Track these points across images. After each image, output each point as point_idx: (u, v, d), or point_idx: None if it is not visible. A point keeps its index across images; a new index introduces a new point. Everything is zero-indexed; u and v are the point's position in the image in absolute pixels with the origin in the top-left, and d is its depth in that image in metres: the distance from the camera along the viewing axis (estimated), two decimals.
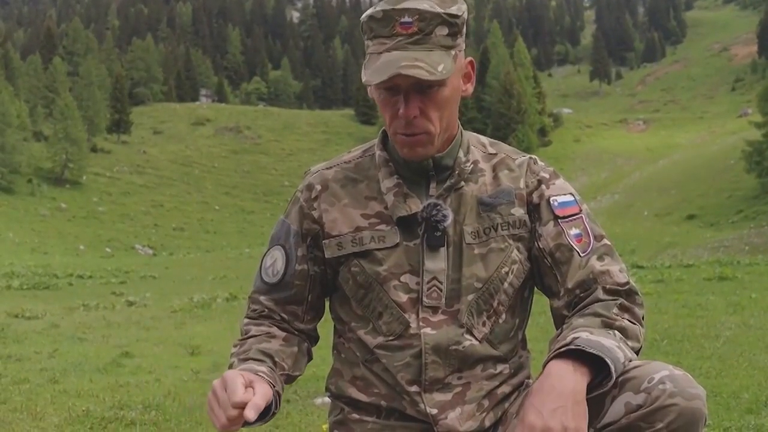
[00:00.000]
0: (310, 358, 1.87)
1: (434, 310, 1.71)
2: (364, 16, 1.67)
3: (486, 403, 1.72)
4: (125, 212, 74.19)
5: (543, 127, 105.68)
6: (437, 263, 1.71)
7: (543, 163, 1.85)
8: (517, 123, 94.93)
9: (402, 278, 1.72)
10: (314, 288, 1.82)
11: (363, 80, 1.63)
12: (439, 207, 1.71)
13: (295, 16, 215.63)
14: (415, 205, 1.72)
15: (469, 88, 1.78)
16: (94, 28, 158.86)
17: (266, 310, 1.83)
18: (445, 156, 1.74)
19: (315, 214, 1.80)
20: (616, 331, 1.57)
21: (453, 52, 1.65)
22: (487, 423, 1.71)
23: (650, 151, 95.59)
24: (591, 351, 1.47)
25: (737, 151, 62.90)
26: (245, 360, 1.71)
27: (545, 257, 1.74)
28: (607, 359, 1.46)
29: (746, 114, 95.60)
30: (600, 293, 1.67)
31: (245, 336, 1.81)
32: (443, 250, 1.71)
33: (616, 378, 1.48)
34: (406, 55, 1.59)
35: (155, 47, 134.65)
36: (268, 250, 1.86)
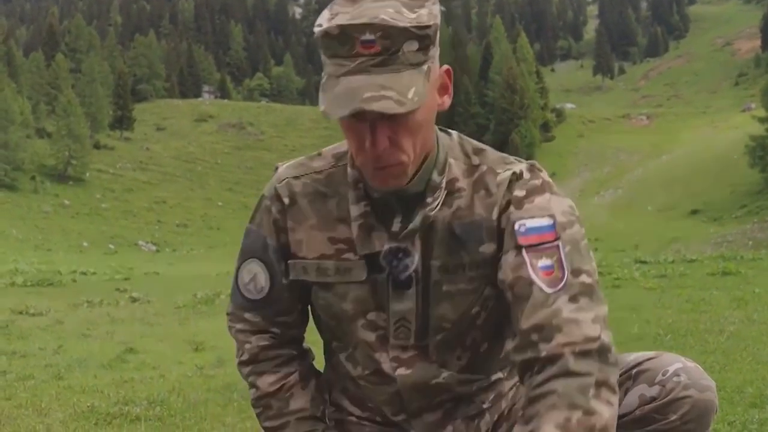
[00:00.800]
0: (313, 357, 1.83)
1: (403, 348, 1.62)
2: (316, 29, 1.42)
3: (476, 412, 1.69)
4: (128, 209, 74.30)
5: (546, 123, 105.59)
6: (404, 304, 1.58)
7: (528, 176, 1.58)
8: (519, 118, 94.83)
9: (369, 316, 1.61)
10: (302, 298, 1.71)
11: (320, 110, 1.39)
12: (400, 255, 1.55)
13: (298, 11, 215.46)
14: (380, 242, 1.56)
15: (446, 100, 1.53)
16: (96, 24, 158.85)
17: (254, 327, 1.72)
18: (413, 185, 1.53)
19: (286, 228, 1.65)
20: None
21: (425, 68, 1.42)
22: (483, 428, 1.69)
23: (653, 146, 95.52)
24: None
25: (741, 146, 62.85)
26: None
27: (506, 291, 1.50)
28: None
29: (750, 109, 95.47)
30: (570, 361, 1.38)
31: (260, 395, 1.72)
32: (410, 291, 1.58)
33: (629, 370, 1.50)
34: (369, 82, 1.36)
35: (158, 44, 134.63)
36: (242, 264, 1.70)
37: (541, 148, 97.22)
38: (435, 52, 1.45)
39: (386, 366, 1.63)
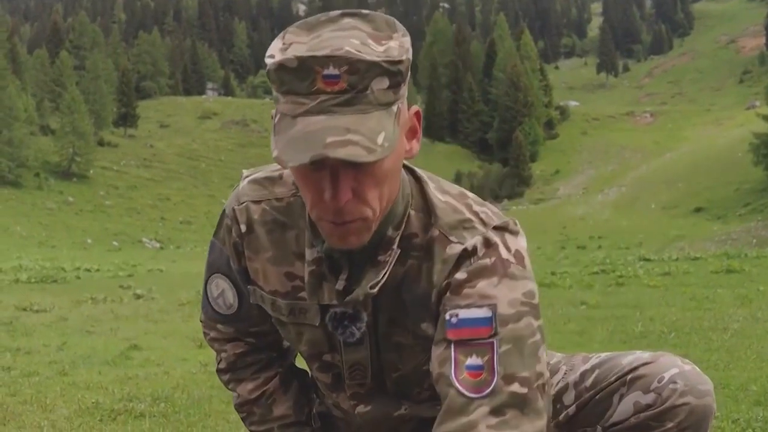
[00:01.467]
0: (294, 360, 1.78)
1: (360, 385, 1.55)
2: (269, 60, 1.24)
3: None
4: (132, 206, 74.39)
5: (550, 120, 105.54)
6: (357, 354, 1.50)
7: (483, 251, 1.36)
8: (523, 116, 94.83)
9: (324, 357, 1.55)
10: None
11: (273, 156, 1.20)
12: (346, 322, 1.43)
13: (302, 9, 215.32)
14: (330, 294, 1.43)
15: (415, 145, 1.34)
16: (100, 21, 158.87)
17: (228, 336, 1.67)
18: (364, 248, 1.38)
19: (244, 254, 1.54)
20: None
21: (395, 108, 1.24)
22: None
23: (657, 144, 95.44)
24: None
25: (745, 144, 62.79)
26: None
27: (434, 382, 1.35)
28: None
29: (754, 106, 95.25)
30: None
31: (241, 402, 1.69)
32: (363, 345, 1.49)
33: (624, 375, 1.46)
34: (333, 124, 1.17)
35: (162, 41, 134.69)
36: (210, 277, 1.61)
37: (544, 146, 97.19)
38: (405, 91, 1.27)
39: (345, 404, 1.60)
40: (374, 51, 1.20)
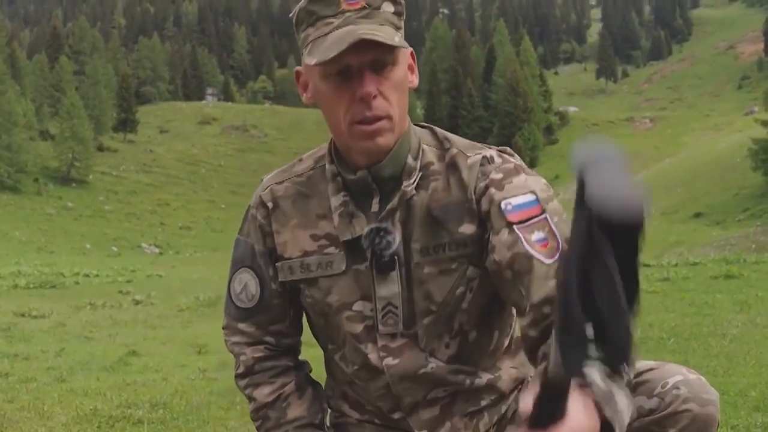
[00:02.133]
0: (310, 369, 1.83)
1: (392, 336, 1.62)
2: (301, 3, 1.54)
3: (474, 410, 1.68)
4: (131, 211, 74.40)
5: (549, 126, 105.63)
6: (390, 288, 1.60)
7: (500, 160, 1.61)
8: (523, 121, 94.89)
9: (355, 307, 1.63)
10: (293, 303, 1.74)
11: (312, 62, 1.47)
12: (382, 233, 1.57)
13: None
14: (360, 226, 1.59)
15: (414, 79, 1.62)
16: (100, 27, 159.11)
17: (249, 338, 1.74)
18: (387, 164, 1.58)
19: (272, 232, 1.70)
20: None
21: (401, 33, 1.54)
22: (482, 429, 1.68)
23: (657, 149, 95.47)
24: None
25: (744, 149, 62.72)
26: None
27: (504, 271, 1.48)
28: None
29: (753, 112, 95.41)
30: None
31: (257, 406, 1.73)
32: (394, 273, 1.59)
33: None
34: (360, 26, 1.46)
35: (161, 46, 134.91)
36: (234, 274, 1.75)
37: (544, 151, 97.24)
38: (402, 27, 1.54)
39: (373, 357, 1.63)
40: None
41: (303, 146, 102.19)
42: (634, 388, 1.44)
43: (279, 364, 1.75)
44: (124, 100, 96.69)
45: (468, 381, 1.65)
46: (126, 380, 5.41)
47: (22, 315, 10.44)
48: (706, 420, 1.41)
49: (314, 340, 1.82)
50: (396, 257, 1.58)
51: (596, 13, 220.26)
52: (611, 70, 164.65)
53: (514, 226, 1.48)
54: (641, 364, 1.51)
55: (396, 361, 1.62)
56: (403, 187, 1.58)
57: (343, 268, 1.62)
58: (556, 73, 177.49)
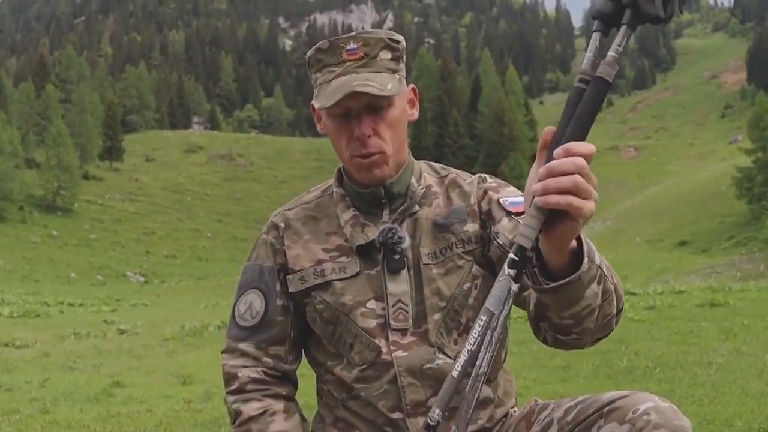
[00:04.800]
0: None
1: (403, 332, 1.72)
2: (310, 51, 1.76)
3: (475, 429, 1.72)
4: (117, 240, 73.98)
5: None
6: (400, 286, 1.74)
7: (492, 178, 1.89)
8: (509, 150, 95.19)
9: (368, 305, 1.74)
10: (295, 324, 1.82)
11: (317, 106, 1.70)
12: (394, 230, 1.75)
13: (288, 43, 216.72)
14: (372, 233, 1.76)
15: (414, 113, 1.83)
16: (87, 55, 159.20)
17: (247, 361, 1.79)
18: (396, 183, 1.78)
19: (283, 249, 1.83)
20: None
21: (397, 76, 1.73)
22: None
23: (641, 178, 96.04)
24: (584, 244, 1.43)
25: (728, 178, 63.21)
26: None
27: (507, 252, 1.57)
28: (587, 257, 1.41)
29: (736, 140, 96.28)
30: None
31: (242, 420, 1.75)
32: (404, 272, 1.74)
33: (602, 408, 1.49)
34: (356, 77, 1.66)
35: (148, 75, 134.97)
36: (239, 298, 1.85)
37: None
38: (403, 70, 1.76)
39: (385, 350, 1.71)
40: (381, 32, 1.74)
41: (289, 174, 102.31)
42: (606, 415, 1.48)
43: (273, 389, 1.78)
44: (110, 129, 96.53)
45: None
46: (110, 411, 5.37)
47: (6, 345, 10.36)
48: None
49: (308, 371, 1.85)
50: (405, 258, 1.74)
51: (581, 43, 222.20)
52: None
53: (513, 216, 1.73)
54: (614, 393, 1.52)
55: (405, 354, 1.71)
56: (409, 198, 1.79)
57: (357, 270, 1.76)
58: (541, 102, 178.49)
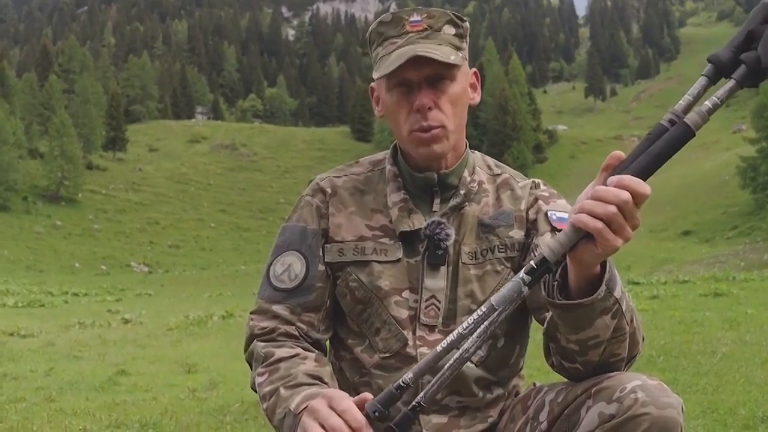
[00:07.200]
0: None
1: (431, 329, 1.69)
2: (372, 25, 1.72)
3: (483, 428, 1.71)
4: (121, 230, 74.07)
5: (538, 144, 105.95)
6: (437, 282, 1.70)
7: (545, 186, 1.83)
8: (512, 140, 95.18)
9: (403, 294, 1.70)
10: (332, 293, 1.75)
11: (376, 76, 1.67)
12: (442, 225, 1.70)
13: (291, 33, 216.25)
14: (419, 222, 1.71)
15: (476, 97, 1.80)
16: (90, 45, 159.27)
17: (280, 323, 1.71)
18: (450, 174, 1.74)
19: (327, 215, 1.77)
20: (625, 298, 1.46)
21: (460, 54, 1.68)
22: None
23: None
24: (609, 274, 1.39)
25: (732, 167, 63.07)
26: (296, 386, 1.57)
27: None
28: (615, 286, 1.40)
29: (740, 130, 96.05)
30: None
31: (271, 360, 1.65)
32: (443, 269, 1.70)
33: (590, 388, 1.48)
34: (419, 46, 1.62)
35: (151, 65, 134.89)
36: (276, 258, 1.77)
37: (533, 170, 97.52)
38: (466, 51, 1.71)
39: (411, 344, 1.68)
40: (446, 9, 1.73)
41: (292, 164, 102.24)
42: (594, 395, 1.46)
43: (305, 345, 1.71)
44: (113, 119, 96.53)
45: (481, 394, 1.71)
46: (115, 400, 5.39)
47: (11, 334, 10.39)
48: (666, 423, 1.39)
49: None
50: (447, 255, 1.71)
51: (584, 32, 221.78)
52: (600, 88, 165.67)
53: (557, 232, 1.66)
54: (603, 374, 1.51)
55: (430, 351, 1.62)
56: (461, 193, 1.75)
57: (399, 256, 1.72)
58: (544, 92, 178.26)
